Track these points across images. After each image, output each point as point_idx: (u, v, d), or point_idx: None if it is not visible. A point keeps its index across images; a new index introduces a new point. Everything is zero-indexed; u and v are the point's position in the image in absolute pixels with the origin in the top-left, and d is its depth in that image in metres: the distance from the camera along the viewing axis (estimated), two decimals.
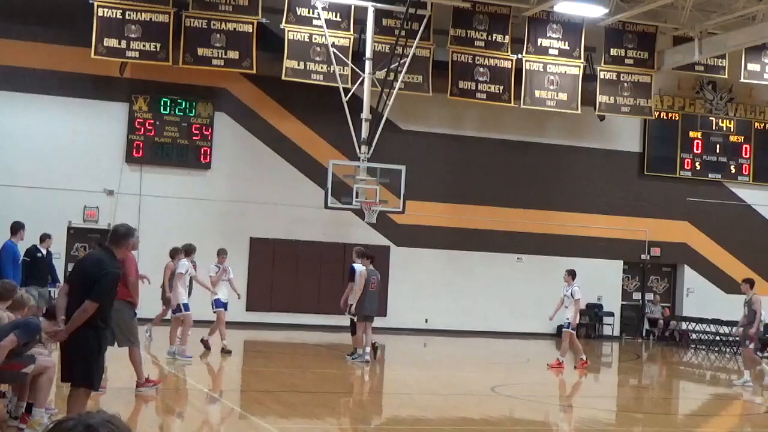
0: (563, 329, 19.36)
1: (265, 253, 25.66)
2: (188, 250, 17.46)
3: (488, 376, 17.35)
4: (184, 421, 11.98)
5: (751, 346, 18.21)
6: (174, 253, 17.78)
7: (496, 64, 25.66)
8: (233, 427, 11.78)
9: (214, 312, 18.10)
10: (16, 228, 17.43)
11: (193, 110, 25.47)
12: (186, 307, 16.91)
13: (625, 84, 26.88)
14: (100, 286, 8.51)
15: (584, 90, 26.28)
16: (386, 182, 23.19)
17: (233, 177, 25.67)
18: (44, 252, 18.19)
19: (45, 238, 18.36)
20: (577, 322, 19.50)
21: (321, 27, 23.94)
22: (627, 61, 26.93)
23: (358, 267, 18.12)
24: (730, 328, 25.77)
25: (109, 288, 8.62)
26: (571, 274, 19.12)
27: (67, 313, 8.60)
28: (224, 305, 18.13)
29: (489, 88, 25.61)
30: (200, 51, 23.73)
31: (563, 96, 26.05)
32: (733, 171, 29.74)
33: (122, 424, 2.70)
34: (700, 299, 29.03)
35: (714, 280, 29.55)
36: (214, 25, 23.80)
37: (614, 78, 26.85)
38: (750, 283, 18.21)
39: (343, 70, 23.97)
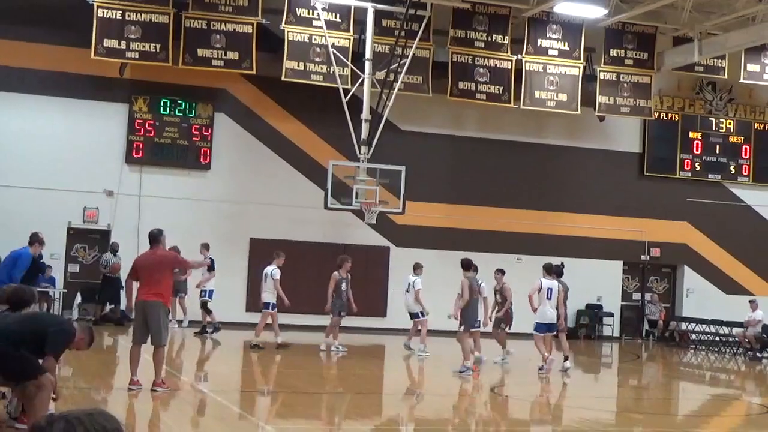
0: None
1: (265, 254, 25.61)
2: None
3: (488, 377, 17.34)
4: (183, 421, 11.97)
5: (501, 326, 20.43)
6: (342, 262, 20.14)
7: (495, 65, 25.66)
8: (233, 428, 11.77)
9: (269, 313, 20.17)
10: (34, 240, 17.42)
11: (193, 111, 25.47)
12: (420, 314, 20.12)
13: (625, 84, 26.87)
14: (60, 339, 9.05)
15: (584, 91, 26.28)
16: (386, 183, 23.21)
17: (233, 178, 25.67)
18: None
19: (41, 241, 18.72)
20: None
21: (321, 28, 23.95)
22: (627, 61, 26.93)
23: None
24: (729, 328, 25.82)
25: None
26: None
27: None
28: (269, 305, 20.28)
29: (489, 88, 25.62)
30: (200, 52, 23.74)
31: (563, 97, 26.05)
32: (733, 172, 29.72)
33: (98, 420, 2.62)
34: (700, 300, 29.03)
35: (714, 280, 29.55)
36: (213, 25, 23.80)
37: (614, 79, 26.85)
38: (501, 272, 20.49)
39: (343, 71, 23.97)
